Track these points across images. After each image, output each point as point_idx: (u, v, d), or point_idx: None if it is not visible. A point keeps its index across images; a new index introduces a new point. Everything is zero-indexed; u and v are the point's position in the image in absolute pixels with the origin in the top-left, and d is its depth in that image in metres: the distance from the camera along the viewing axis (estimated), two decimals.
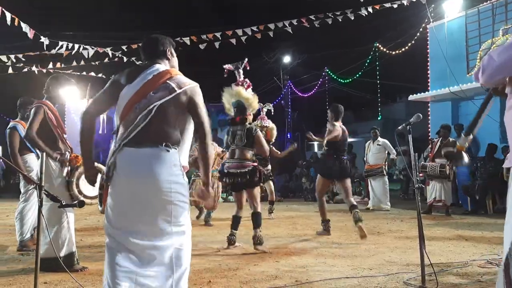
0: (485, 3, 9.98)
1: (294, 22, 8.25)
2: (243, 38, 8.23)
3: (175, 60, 2.66)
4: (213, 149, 6.97)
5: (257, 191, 5.42)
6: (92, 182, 2.57)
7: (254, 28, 8.01)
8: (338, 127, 6.23)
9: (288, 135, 21.62)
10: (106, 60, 9.76)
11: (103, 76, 10.86)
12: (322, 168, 6.39)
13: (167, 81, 2.39)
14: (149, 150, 2.31)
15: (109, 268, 2.29)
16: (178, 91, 2.37)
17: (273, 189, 8.54)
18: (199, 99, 2.45)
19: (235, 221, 5.43)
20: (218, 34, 8.23)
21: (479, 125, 2.58)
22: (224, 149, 6.97)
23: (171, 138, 2.37)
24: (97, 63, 9.70)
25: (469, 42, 10.20)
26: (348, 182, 6.19)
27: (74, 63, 10.27)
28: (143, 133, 2.32)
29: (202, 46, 8.50)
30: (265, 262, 4.58)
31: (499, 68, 1.99)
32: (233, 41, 8.39)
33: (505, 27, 9.36)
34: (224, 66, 7.22)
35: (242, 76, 6.90)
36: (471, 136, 2.61)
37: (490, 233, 6.13)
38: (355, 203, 5.99)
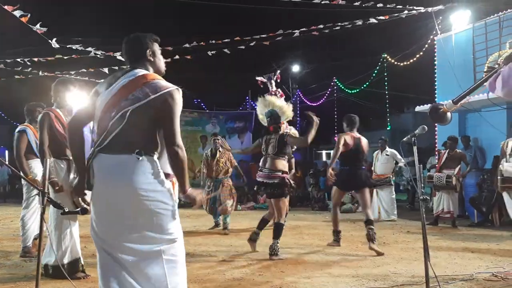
0: (492, 16, 9.95)
1: (304, 29, 8.29)
2: (251, 44, 8.29)
3: (158, 60, 2.53)
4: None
5: (282, 202, 5.51)
6: (80, 195, 2.46)
7: (263, 35, 8.05)
8: (343, 138, 6.14)
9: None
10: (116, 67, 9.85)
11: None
12: (337, 179, 6.18)
13: (143, 86, 2.31)
14: (123, 157, 2.25)
15: (101, 281, 2.28)
16: (152, 96, 2.27)
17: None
18: (174, 104, 2.31)
19: (262, 222, 5.69)
20: (226, 41, 8.26)
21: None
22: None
23: (145, 145, 2.30)
24: (106, 69, 9.78)
25: (476, 55, 10.16)
26: (366, 192, 6.02)
27: (83, 69, 10.38)
28: (117, 140, 2.26)
29: (210, 53, 8.52)
30: (270, 272, 4.57)
31: None
32: (239, 47, 8.45)
33: None
34: (257, 78, 7.40)
35: (274, 87, 7.08)
36: (458, 105, 2.76)
37: (496, 246, 6.07)
38: (371, 217, 5.83)
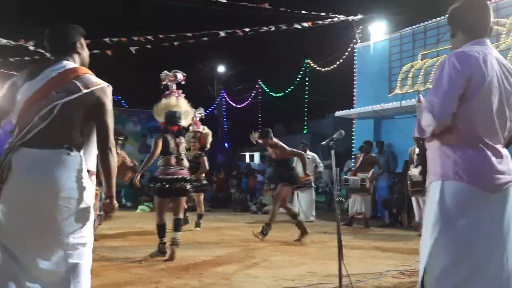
0: (406, 29, 10.71)
1: (228, 30, 8.33)
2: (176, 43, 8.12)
3: (85, 53, 2.47)
4: (119, 158, 6.94)
5: (184, 200, 5.76)
6: None
7: (188, 34, 7.93)
8: None
9: (225, 145, 21.54)
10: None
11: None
12: (291, 177, 6.78)
13: (73, 80, 2.22)
14: (49, 152, 2.14)
15: None
16: (85, 91, 2.21)
17: (202, 200, 8.24)
18: (108, 101, 2.29)
19: (162, 229, 5.49)
20: (150, 37, 7.97)
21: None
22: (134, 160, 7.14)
23: (74, 141, 2.20)
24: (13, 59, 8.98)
25: (392, 64, 10.87)
26: None
27: None
28: (43, 134, 2.14)
29: (133, 49, 8.17)
30: (189, 274, 4.49)
31: (447, 102, 2.05)
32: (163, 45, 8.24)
33: (424, 52, 10.11)
34: (161, 75, 7.15)
35: (175, 87, 6.98)
36: None
37: (404, 245, 6.50)
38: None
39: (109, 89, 2.31)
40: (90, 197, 2.23)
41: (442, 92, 2.06)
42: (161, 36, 7.81)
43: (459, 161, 2.06)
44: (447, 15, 2.35)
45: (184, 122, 6.04)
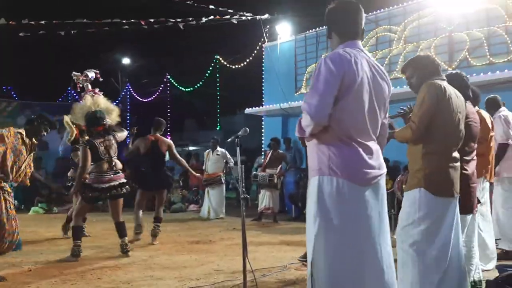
0: (311, 31, 11.12)
1: (133, 20, 7.91)
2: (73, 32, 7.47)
3: None
4: None
5: (121, 202, 5.49)
6: None
7: (88, 21, 7.34)
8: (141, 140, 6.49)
9: (127, 140, 20.51)
10: None
11: None
12: (139, 180, 6.54)
13: None
14: None
15: None
16: None
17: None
18: None
19: (80, 231, 5.31)
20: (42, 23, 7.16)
21: None
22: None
23: None
24: None
25: (298, 64, 11.21)
26: (164, 193, 6.63)
27: None
28: None
29: (23, 34, 7.31)
30: (85, 280, 4.19)
31: (323, 103, 2.12)
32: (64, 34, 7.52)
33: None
34: (72, 75, 6.54)
35: (90, 86, 6.46)
36: None
37: None
38: (161, 216, 6.43)
39: None
40: None
41: (318, 93, 2.14)
42: (54, 21, 7.10)
43: (333, 158, 2.17)
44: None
45: (109, 120, 5.64)
